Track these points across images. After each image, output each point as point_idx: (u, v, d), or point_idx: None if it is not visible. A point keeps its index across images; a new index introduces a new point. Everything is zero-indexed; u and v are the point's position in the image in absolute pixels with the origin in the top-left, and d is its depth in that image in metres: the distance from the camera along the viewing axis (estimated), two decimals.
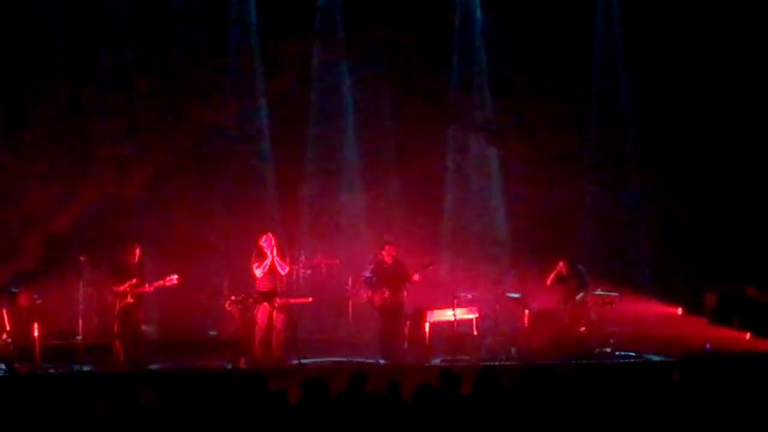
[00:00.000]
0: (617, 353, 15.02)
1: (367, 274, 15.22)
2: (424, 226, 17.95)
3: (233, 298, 14.72)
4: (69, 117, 17.44)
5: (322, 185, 18.39)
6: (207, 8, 17.93)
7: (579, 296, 15.37)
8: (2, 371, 13.79)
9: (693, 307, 17.31)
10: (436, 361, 14.48)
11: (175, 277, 14.33)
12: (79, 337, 14.85)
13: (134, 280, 14.24)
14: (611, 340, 15.29)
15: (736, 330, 16.38)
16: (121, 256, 14.57)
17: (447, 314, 15.26)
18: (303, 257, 17.12)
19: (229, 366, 14.31)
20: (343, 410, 8.22)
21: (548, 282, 15.53)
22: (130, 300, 14.23)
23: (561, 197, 18.36)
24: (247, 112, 18.25)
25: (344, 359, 14.68)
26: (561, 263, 15.45)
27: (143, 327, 15.13)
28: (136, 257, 14.51)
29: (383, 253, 15.08)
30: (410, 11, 18.07)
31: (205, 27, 17.87)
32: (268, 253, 14.19)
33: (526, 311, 15.30)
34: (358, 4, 18.23)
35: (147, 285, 14.33)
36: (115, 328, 14.31)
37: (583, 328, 15.19)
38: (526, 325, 15.30)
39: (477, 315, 15.51)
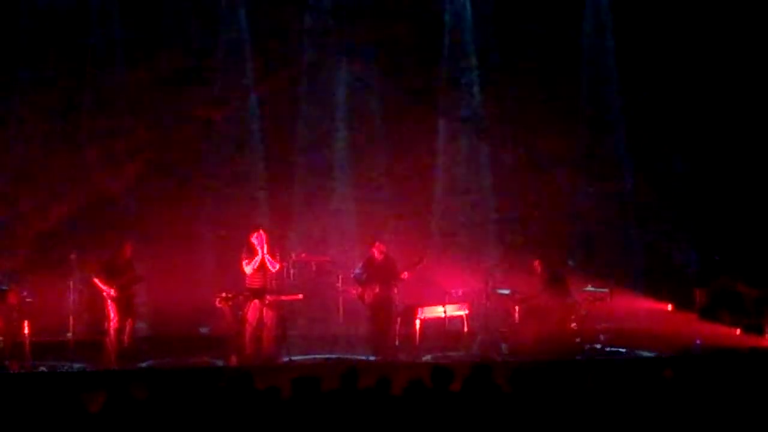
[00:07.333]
0: (608, 349, 15.05)
1: (357, 270, 15.23)
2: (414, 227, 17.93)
3: (224, 295, 14.62)
4: (59, 114, 17.38)
5: (312, 181, 18.34)
6: (198, 5, 17.89)
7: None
8: None
9: (683, 304, 17.35)
10: (427, 358, 14.46)
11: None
12: (70, 335, 14.88)
13: (124, 279, 14.31)
14: (602, 337, 15.32)
15: (726, 326, 16.41)
16: (113, 253, 14.59)
17: (437, 311, 15.25)
18: (293, 254, 17.10)
19: (220, 363, 14.31)
20: (334, 407, 8.21)
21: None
22: (130, 293, 14.31)
23: (551, 193, 18.40)
24: (238, 109, 18.22)
25: (335, 356, 14.66)
26: (536, 262, 15.55)
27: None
28: (128, 254, 14.55)
29: (373, 250, 15.08)
30: (400, 7, 18.09)
31: (196, 23, 17.82)
32: (259, 250, 14.17)
33: (516, 308, 15.31)
34: (347, 1, 18.22)
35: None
36: (105, 326, 14.35)
37: (573, 325, 15.18)
38: (516, 321, 15.30)
39: (467, 312, 15.51)
